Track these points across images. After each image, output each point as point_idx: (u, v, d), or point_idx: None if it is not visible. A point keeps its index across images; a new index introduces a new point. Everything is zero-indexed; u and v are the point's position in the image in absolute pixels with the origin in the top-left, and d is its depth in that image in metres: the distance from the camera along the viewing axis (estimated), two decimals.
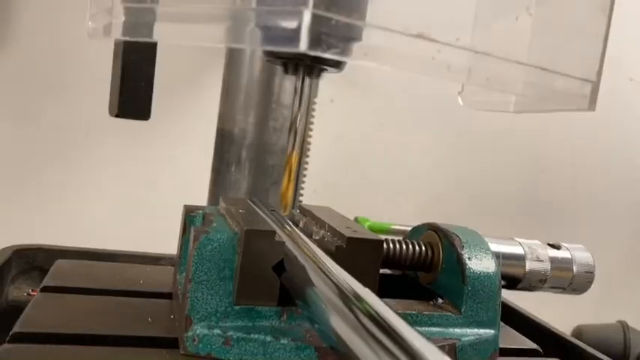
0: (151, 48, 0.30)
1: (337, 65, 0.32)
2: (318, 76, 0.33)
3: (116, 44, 0.31)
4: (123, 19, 0.24)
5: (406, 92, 1.09)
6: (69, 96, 0.91)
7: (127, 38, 0.24)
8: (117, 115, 0.30)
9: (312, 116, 0.70)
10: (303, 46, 0.19)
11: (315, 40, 0.19)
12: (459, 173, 1.19)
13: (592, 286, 0.42)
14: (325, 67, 0.32)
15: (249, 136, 0.62)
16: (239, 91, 0.62)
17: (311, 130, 0.69)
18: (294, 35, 0.19)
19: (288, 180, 0.35)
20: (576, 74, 0.28)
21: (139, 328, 0.32)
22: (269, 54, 0.32)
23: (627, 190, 1.31)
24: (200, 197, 0.65)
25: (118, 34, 0.25)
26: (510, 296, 0.44)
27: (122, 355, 0.30)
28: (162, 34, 0.24)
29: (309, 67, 0.32)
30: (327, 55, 0.19)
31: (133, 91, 0.29)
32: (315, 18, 0.19)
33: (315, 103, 0.70)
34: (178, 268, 0.37)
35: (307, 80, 0.33)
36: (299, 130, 0.34)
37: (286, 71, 0.33)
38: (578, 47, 0.29)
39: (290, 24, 0.19)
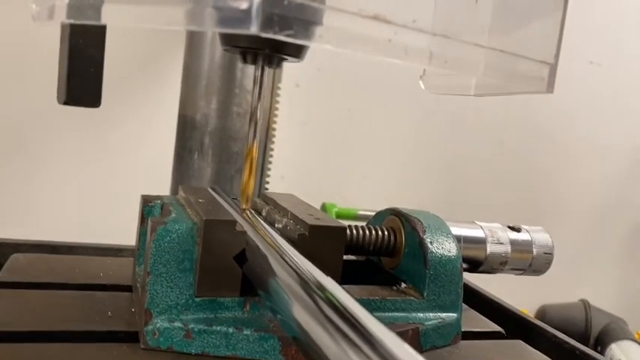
0: (99, 31, 0.29)
1: (297, 54, 0.31)
2: (278, 65, 0.32)
3: (63, 28, 0.29)
4: (67, 0, 0.23)
5: (372, 76, 1.09)
6: (24, 84, 0.88)
7: (72, 21, 0.23)
8: (65, 103, 0.29)
9: (277, 102, 0.69)
10: (254, 27, 0.18)
11: (267, 22, 0.18)
12: (426, 157, 1.20)
13: (557, 265, 0.43)
14: (284, 56, 0.31)
15: (211, 122, 0.61)
16: (200, 76, 0.61)
17: (276, 115, 0.69)
18: (245, 17, 0.18)
19: (249, 175, 0.34)
20: (535, 57, 0.28)
21: (98, 323, 0.31)
22: (226, 42, 0.31)
23: (589, 165, 1.35)
24: (163, 185, 0.64)
25: (62, 16, 0.23)
26: (479, 279, 0.44)
27: (81, 352, 0.29)
28: (111, 16, 0.23)
29: (268, 56, 0.31)
30: (279, 37, 0.18)
31: (82, 77, 0.28)
32: None
33: (279, 88, 0.70)
34: (137, 260, 0.36)
35: (267, 70, 0.32)
36: (260, 122, 0.33)
37: (245, 61, 0.32)
38: (536, 30, 0.29)
39: (241, 5, 0.18)
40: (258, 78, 0.33)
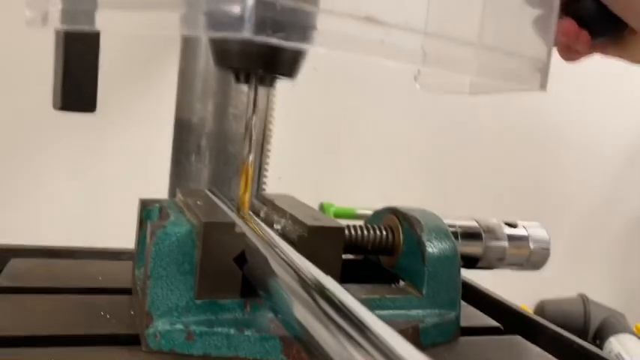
0: (94, 37, 0.29)
1: (290, 73, 0.32)
2: (271, 84, 0.33)
3: (57, 34, 0.29)
4: (61, 6, 0.23)
5: (368, 74, 1.09)
6: (19, 89, 0.88)
7: (66, 27, 0.23)
8: (61, 108, 0.29)
9: (273, 102, 0.69)
10: (246, 32, 0.18)
11: (259, 26, 0.18)
12: (422, 154, 1.20)
13: (555, 260, 0.43)
14: (278, 75, 0.31)
15: (208, 125, 0.61)
16: (196, 78, 0.61)
17: (272, 116, 0.69)
18: (238, 21, 0.18)
19: (245, 189, 0.34)
20: (527, 54, 0.29)
21: (99, 327, 0.32)
22: (220, 62, 0.31)
23: (584, 161, 1.35)
24: (160, 188, 0.64)
25: (56, 22, 0.23)
26: (476, 275, 0.44)
27: (82, 355, 0.29)
28: (105, 22, 0.23)
29: (261, 76, 0.31)
30: (272, 41, 0.19)
31: (77, 83, 0.28)
32: (259, 3, 0.18)
33: (274, 87, 0.69)
34: (136, 263, 0.37)
35: (260, 89, 0.33)
36: (254, 137, 0.33)
37: (237, 80, 0.32)
38: (528, 27, 0.30)
39: (233, 9, 0.18)
40: (252, 98, 0.33)
